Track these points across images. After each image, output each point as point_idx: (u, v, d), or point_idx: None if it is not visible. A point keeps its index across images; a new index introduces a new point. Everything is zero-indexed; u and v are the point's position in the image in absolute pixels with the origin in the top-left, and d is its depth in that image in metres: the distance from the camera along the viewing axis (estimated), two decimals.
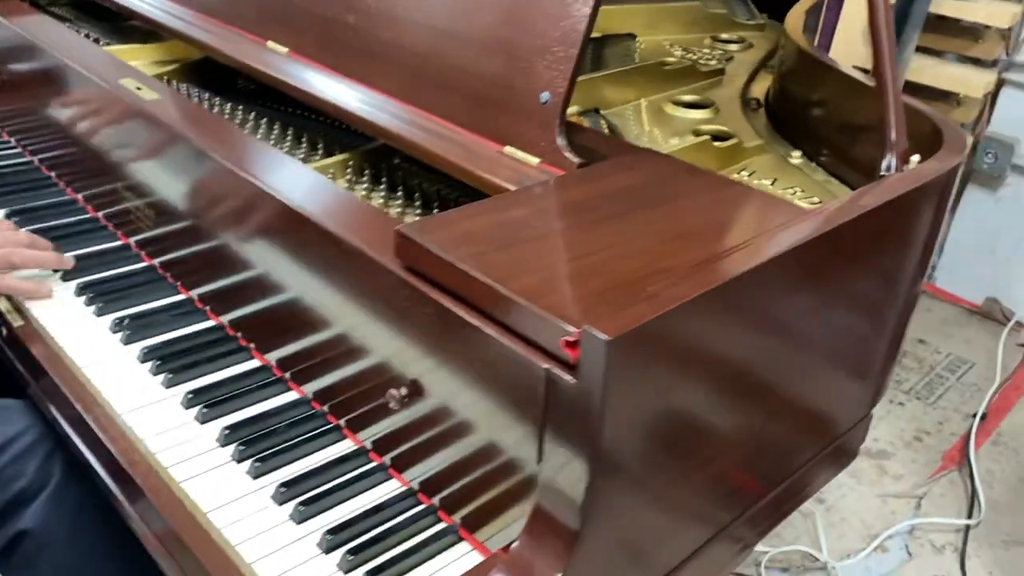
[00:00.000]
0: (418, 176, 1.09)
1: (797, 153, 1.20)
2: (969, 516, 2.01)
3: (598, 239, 0.77)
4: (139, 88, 1.12)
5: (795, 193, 1.07)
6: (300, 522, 0.81)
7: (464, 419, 0.76)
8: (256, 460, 0.86)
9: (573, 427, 0.65)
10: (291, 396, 0.96)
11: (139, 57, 1.35)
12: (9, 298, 1.11)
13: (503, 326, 0.69)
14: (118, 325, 1.04)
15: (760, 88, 1.40)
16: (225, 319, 1.05)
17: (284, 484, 0.84)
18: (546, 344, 0.66)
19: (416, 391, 0.79)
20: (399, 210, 1.03)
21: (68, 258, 1.13)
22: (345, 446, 0.90)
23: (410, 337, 0.78)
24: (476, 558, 0.79)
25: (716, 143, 1.13)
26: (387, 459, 0.87)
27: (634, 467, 0.70)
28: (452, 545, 0.80)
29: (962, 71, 2.36)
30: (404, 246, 0.76)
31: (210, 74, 1.35)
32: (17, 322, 1.08)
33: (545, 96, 0.93)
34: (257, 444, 0.88)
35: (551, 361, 0.66)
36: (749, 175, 1.11)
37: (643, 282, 0.70)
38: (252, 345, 1.01)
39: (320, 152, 1.15)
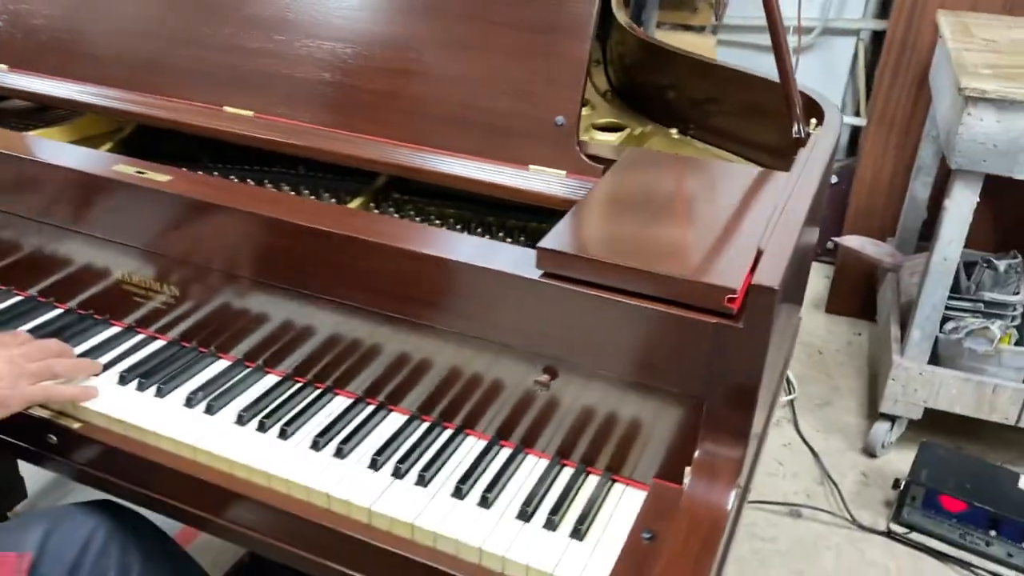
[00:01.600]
0: (428, 204, 1.23)
1: (674, 131, 1.49)
2: (789, 393, 2.49)
3: (671, 219, 1.00)
4: (140, 172, 1.14)
5: None
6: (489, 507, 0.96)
7: (619, 393, 0.95)
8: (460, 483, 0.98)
9: (741, 361, 0.87)
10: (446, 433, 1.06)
11: (68, 136, 1.34)
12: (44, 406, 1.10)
13: (660, 300, 0.89)
14: (191, 399, 1.08)
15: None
16: (361, 387, 1.10)
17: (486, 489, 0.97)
18: (708, 304, 0.87)
19: (555, 375, 0.97)
20: None
21: (97, 363, 1.13)
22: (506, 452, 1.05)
23: (552, 333, 0.95)
24: (636, 492, 0.98)
25: (616, 134, 1.38)
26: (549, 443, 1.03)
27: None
28: (610, 490, 0.99)
29: (694, 38, 2.83)
30: (548, 257, 0.93)
31: (145, 146, 1.36)
32: (74, 424, 1.08)
33: (560, 119, 1.13)
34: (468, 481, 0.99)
35: (711, 316, 0.87)
36: None
37: (734, 243, 0.94)
38: (382, 397, 1.09)
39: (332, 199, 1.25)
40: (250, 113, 1.27)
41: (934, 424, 2.26)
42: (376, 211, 1.24)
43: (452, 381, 1.03)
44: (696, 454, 0.92)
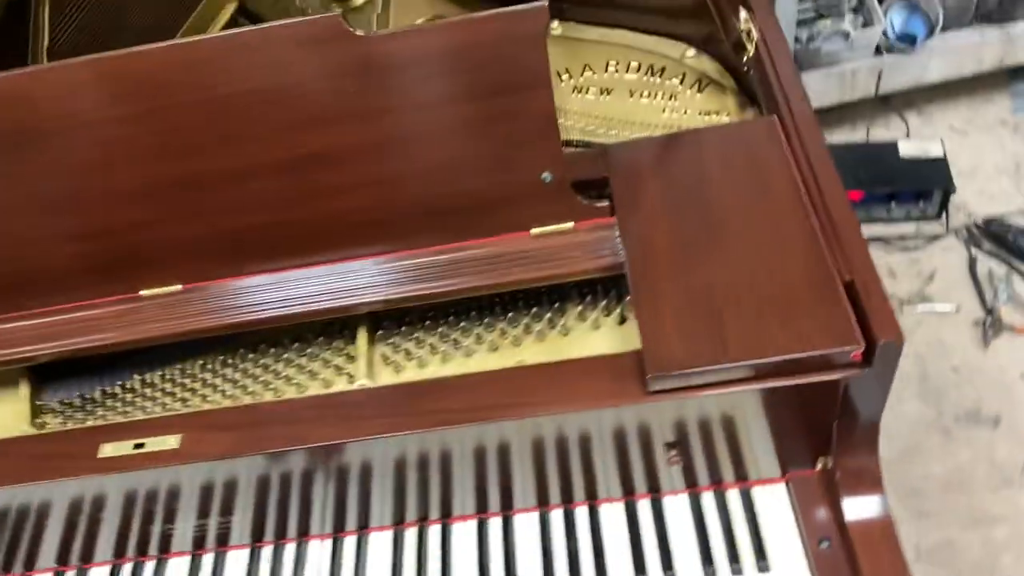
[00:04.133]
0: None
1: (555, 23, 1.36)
2: None
3: (731, 263, 0.96)
4: (138, 446, 0.97)
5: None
6: None
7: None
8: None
9: (871, 395, 0.91)
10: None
11: None
12: None
13: (785, 373, 0.89)
14: None
15: None
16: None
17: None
18: (836, 367, 0.88)
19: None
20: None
21: None
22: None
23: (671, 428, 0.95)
24: (775, 488, 1.05)
25: None
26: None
27: None
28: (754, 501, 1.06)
29: None
30: (658, 381, 0.89)
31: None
32: None
33: (546, 176, 1.01)
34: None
35: (835, 371, 0.89)
36: None
37: (806, 269, 0.93)
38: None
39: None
40: (177, 287, 1.07)
41: None
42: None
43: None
44: (838, 475, 0.98)
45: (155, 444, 0.97)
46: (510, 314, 1.08)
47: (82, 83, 0.96)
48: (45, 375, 1.12)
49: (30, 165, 1.00)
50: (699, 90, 1.28)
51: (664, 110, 1.27)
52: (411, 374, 1.06)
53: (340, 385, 1.06)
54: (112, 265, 1.05)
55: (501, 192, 1.02)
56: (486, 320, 1.08)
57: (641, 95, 1.29)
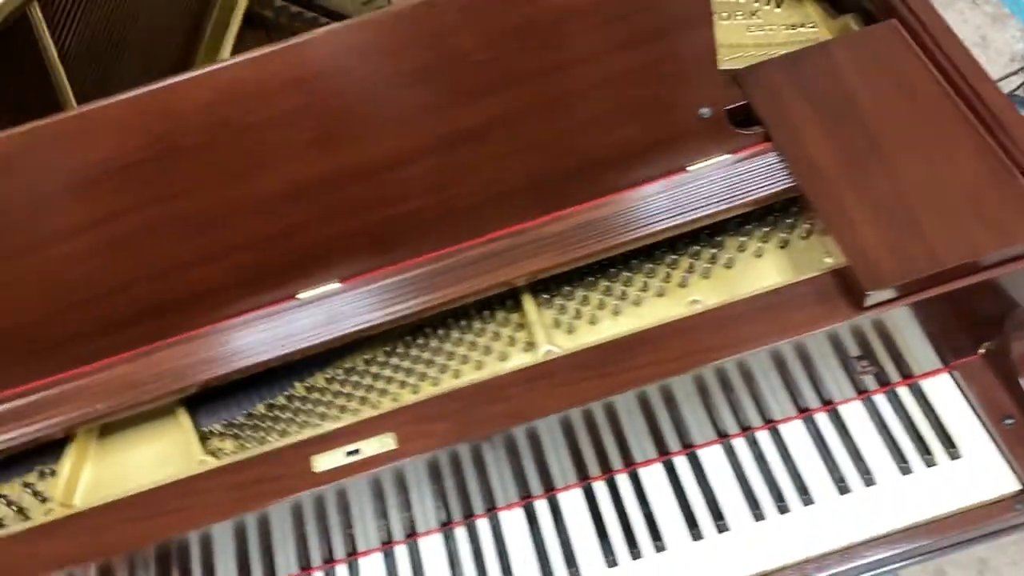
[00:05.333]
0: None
1: None
2: None
3: (904, 170, 0.98)
4: (352, 452, 0.94)
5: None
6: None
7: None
8: None
9: None
10: None
11: None
12: None
13: (991, 268, 0.92)
14: None
15: None
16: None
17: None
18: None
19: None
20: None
21: None
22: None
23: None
24: (942, 379, 1.10)
25: None
26: None
27: None
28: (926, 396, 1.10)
29: None
30: (874, 296, 0.91)
31: None
32: None
33: (705, 111, 1.00)
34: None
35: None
36: None
37: (992, 173, 0.95)
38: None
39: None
40: (335, 284, 1.02)
41: None
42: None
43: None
44: (1015, 355, 1.02)
45: (370, 447, 0.94)
46: (670, 257, 1.08)
47: (228, 89, 0.90)
48: (196, 399, 1.07)
49: (179, 184, 0.93)
50: (776, 5, 1.28)
51: (748, 28, 1.27)
52: (585, 332, 1.05)
53: (517, 356, 1.04)
54: (267, 273, 1.00)
55: (660, 135, 1.00)
56: (646, 267, 1.08)
57: (720, 16, 1.28)
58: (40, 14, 1.21)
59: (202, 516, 0.93)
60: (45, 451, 1.07)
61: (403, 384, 1.05)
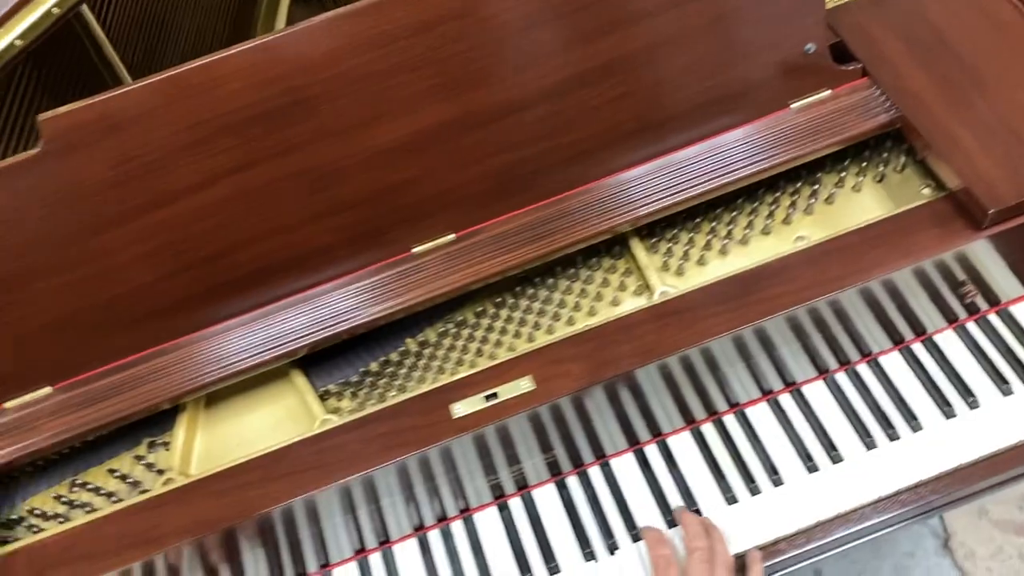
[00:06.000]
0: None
1: None
2: None
3: (1005, 93, 1.00)
4: (490, 397, 0.93)
5: None
6: None
7: None
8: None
9: None
10: None
11: None
12: None
13: None
14: None
15: None
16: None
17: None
18: None
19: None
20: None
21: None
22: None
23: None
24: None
25: None
26: None
27: None
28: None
29: None
30: (997, 216, 0.94)
31: None
32: None
33: (810, 47, 1.01)
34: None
35: None
36: None
37: None
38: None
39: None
40: (450, 236, 1.02)
41: None
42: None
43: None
44: None
45: (508, 391, 0.94)
46: (772, 196, 1.09)
47: (351, 37, 0.89)
48: (306, 362, 1.05)
49: (301, 136, 0.92)
50: None
51: None
52: (695, 274, 1.06)
53: (629, 300, 1.05)
54: (383, 227, 0.99)
55: (764, 72, 1.02)
56: (749, 207, 1.09)
57: None
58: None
59: (342, 470, 0.92)
60: (151, 423, 1.04)
61: (517, 334, 1.04)
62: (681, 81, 0.99)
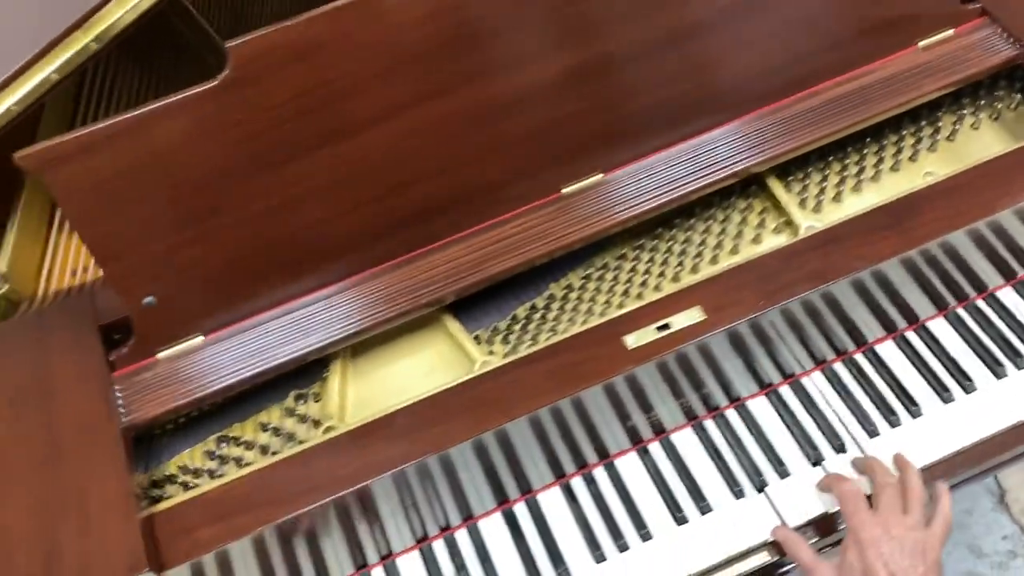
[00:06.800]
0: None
1: None
2: None
3: None
4: (662, 327, 0.93)
5: None
6: None
7: None
8: None
9: None
10: None
11: None
12: None
13: None
14: None
15: None
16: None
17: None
18: None
19: None
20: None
21: None
22: None
23: None
24: None
25: None
26: None
27: None
28: None
29: None
30: None
31: None
32: None
33: None
34: None
35: None
36: None
37: None
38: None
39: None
40: (599, 175, 1.02)
41: None
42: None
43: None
44: None
45: (680, 321, 0.94)
46: (896, 135, 1.12)
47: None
48: (454, 308, 1.04)
49: (468, 72, 0.92)
50: None
51: None
52: (832, 209, 1.08)
53: (770, 238, 1.06)
54: (538, 166, 0.99)
55: (891, 12, 1.05)
56: (876, 146, 1.12)
57: None
58: None
59: (524, 404, 0.90)
60: (296, 376, 1.02)
61: (662, 275, 1.05)
62: (827, 16, 1.02)
